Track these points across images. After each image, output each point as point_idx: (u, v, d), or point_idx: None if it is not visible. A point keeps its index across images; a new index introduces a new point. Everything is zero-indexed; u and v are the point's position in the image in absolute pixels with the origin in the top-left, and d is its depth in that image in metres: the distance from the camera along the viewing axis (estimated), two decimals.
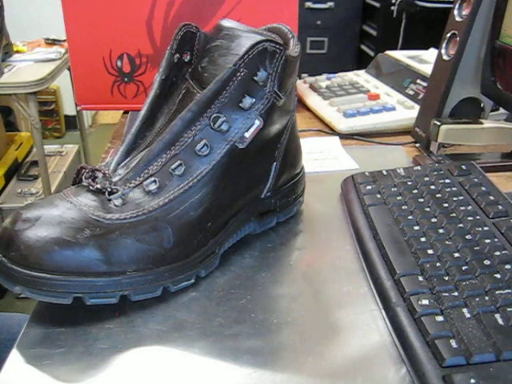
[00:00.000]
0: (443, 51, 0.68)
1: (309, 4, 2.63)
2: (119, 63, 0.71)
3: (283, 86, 0.46)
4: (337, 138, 0.75)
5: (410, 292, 0.40)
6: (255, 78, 0.44)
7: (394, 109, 0.79)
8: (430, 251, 0.44)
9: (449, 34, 0.67)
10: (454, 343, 0.35)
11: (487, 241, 0.44)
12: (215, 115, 0.43)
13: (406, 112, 0.79)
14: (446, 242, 0.44)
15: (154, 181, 0.42)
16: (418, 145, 0.72)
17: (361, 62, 2.66)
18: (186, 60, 0.48)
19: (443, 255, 0.43)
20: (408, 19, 2.31)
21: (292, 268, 0.48)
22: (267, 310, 0.42)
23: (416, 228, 0.47)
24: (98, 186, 0.42)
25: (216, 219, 0.45)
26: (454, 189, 0.51)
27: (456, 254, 0.43)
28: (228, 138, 0.44)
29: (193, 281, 0.44)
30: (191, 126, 0.43)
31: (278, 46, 0.44)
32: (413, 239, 0.45)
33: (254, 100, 0.44)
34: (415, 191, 0.52)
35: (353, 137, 0.76)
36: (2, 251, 0.38)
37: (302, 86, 0.92)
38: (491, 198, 0.49)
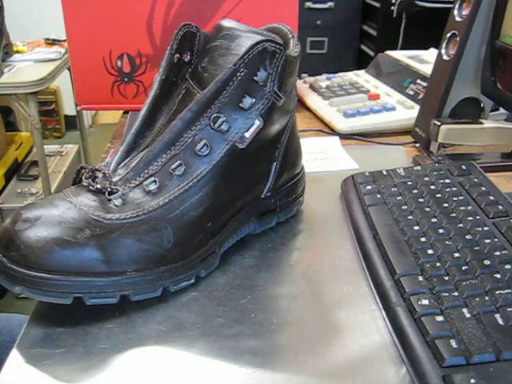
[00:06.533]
0: (443, 51, 0.68)
1: (309, 4, 2.63)
2: (119, 63, 0.71)
3: (283, 85, 0.46)
4: (337, 138, 0.75)
5: (410, 292, 0.40)
6: (255, 77, 0.44)
7: (394, 109, 0.79)
8: (430, 251, 0.44)
9: (449, 34, 0.67)
10: (454, 343, 0.35)
11: (487, 241, 0.44)
12: (215, 115, 0.43)
13: (406, 112, 0.79)
14: (446, 242, 0.44)
15: (154, 181, 0.42)
16: (417, 145, 0.72)
17: (361, 62, 2.65)
18: (186, 60, 0.49)
19: (443, 255, 0.43)
20: (408, 19, 2.31)
21: (292, 268, 0.48)
22: (267, 310, 0.42)
23: (416, 228, 0.47)
24: (98, 186, 0.42)
25: (216, 219, 0.45)
26: (453, 189, 0.51)
27: (456, 254, 0.43)
28: (228, 138, 0.44)
29: (193, 281, 0.44)
30: (191, 125, 0.43)
31: (278, 46, 0.44)
32: (413, 239, 0.45)
33: (253, 100, 0.44)
34: (415, 191, 0.52)
35: (353, 137, 0.76)
36: (1, 251, 0.38)
37: (302, 85, 0.92)
38: (491, 197, 0.49)
